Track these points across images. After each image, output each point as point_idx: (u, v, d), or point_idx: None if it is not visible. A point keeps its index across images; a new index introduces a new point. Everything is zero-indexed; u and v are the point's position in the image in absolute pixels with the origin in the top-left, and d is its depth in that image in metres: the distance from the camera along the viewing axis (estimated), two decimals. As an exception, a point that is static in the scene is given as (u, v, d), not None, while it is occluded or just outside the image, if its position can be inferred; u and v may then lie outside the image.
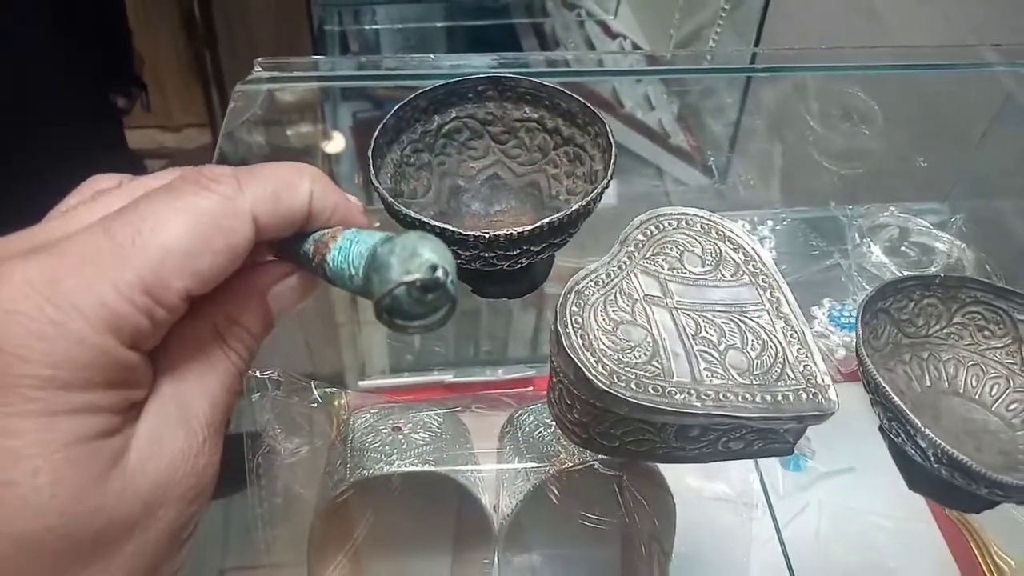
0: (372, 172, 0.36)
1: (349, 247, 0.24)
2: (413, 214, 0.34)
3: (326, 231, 0.25)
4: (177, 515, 0.22)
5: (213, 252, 0.22)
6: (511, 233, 0.33)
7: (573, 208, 0.34)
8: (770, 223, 0.70)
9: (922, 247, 0.67)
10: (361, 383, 0.71)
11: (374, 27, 1.55)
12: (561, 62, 0.68)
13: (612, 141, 0.37)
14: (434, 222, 0.33)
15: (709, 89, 0.92)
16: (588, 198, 0.35)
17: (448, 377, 0.67)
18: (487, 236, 0.33)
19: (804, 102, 0.79)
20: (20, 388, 0.19)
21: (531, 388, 0.63)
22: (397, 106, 0.38)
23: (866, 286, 0.64)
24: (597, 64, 0.76)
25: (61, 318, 0.19)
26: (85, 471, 0.20)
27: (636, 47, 1.37)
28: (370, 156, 0.36)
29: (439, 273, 0.21)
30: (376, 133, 0.37)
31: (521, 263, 0.36)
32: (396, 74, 0.63)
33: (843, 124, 0.77)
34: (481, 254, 0.34)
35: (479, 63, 0.60)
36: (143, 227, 0.21)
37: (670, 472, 0.51)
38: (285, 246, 0.26)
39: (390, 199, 0.35)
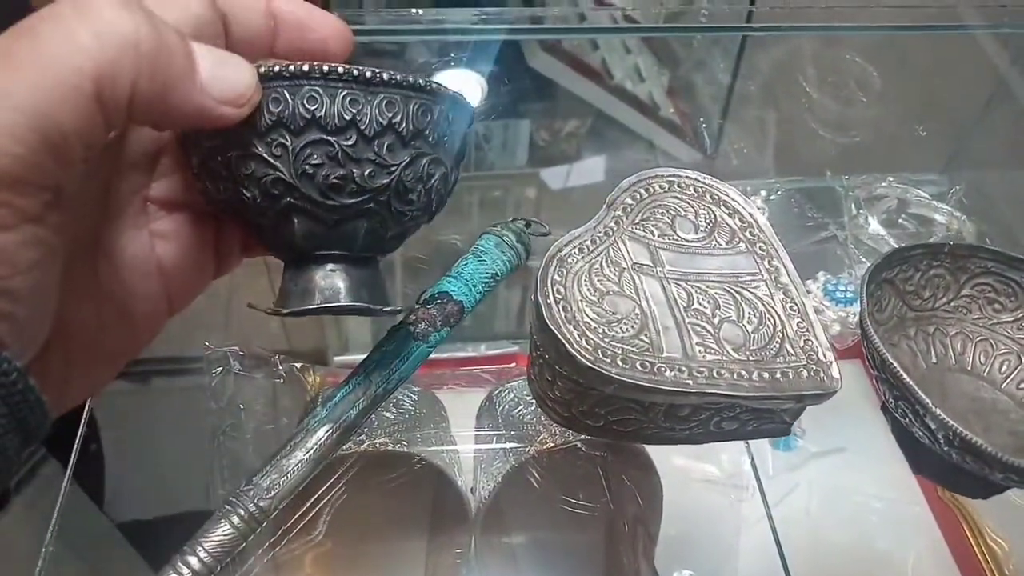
0: None
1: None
2: None
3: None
4: None
5: None
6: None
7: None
8: (763, 193, 0.68)
9: (921, 219, 0.65)
10: (337, 359, 0.68)
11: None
12: (545, 18, 0.65)
13: None
14: None
15: (701, 59, 0.89)
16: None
17: (428, 353, 0.64)
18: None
19: (799, 68, 0.76)
20: None
21: (514, 364, 0.60)
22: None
23: (863, 259, 0.61)
24: (579, 20, 0.73)
25: None
26: None
27: (628, 19, 1.33)
28: None
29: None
30: None
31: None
32: (374, 29, 0.60)
33: (840, 91, 0.74)
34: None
35: (460, 18, 0.57)
36: None
37: (657, 453, 0.49)
38: None
39: None
